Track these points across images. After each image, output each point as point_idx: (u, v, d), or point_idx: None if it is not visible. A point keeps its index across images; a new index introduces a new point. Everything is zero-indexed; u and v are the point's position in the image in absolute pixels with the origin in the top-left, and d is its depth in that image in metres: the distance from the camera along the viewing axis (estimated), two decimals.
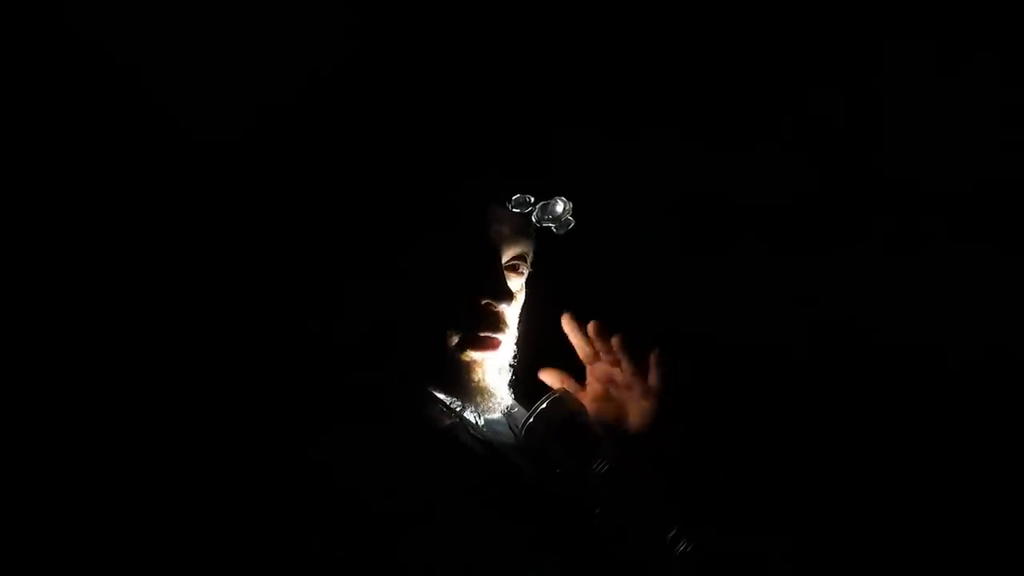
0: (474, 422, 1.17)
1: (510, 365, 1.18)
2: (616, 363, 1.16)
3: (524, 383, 1.19)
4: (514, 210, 1.14)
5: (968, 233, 1.45)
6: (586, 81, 1.38)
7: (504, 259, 1.14)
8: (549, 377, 1.22)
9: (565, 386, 1.19)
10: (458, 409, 1.14)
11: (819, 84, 1.46)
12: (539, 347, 1.21)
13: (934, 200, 1.45)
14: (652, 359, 1.13)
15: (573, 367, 1.22)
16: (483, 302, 1.11)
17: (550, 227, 1.16)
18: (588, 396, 1.20)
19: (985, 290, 1.44)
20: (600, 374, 1.20)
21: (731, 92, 1.45)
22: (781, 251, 1.46)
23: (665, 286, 1.42)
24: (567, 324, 1.22)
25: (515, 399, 1.19)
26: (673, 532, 0.99)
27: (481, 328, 1.11)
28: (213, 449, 1.07)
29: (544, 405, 1.12)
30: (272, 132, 1.27)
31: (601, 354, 1.19)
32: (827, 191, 1.46)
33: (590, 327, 1.17)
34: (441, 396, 1.14)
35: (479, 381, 1.13)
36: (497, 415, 1.19)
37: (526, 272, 1.19)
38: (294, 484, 0.98)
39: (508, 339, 1.16)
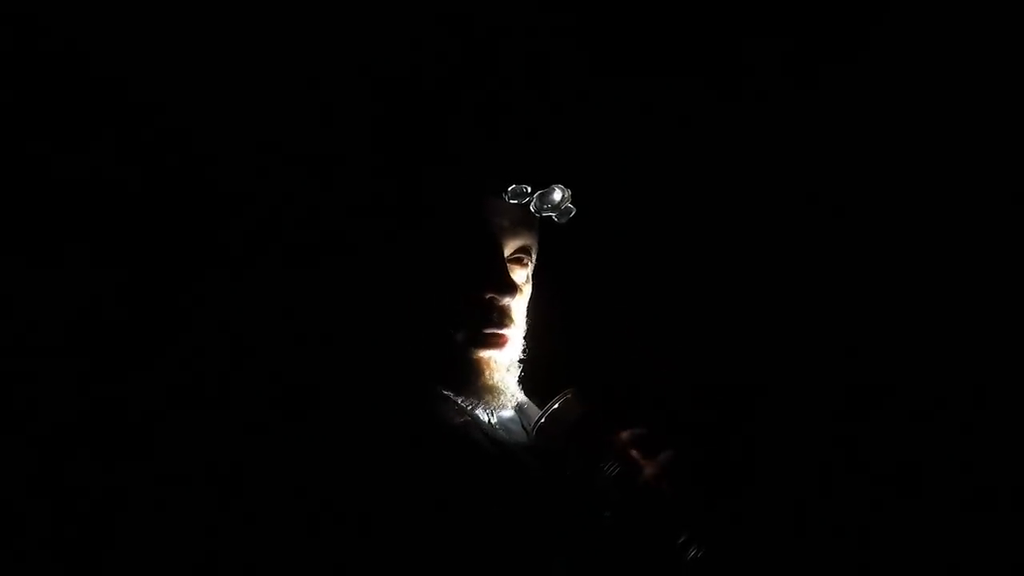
0: (486, 420, 1.14)
1: (519, 360, 1.15)
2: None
3: (534, 378, 1.16)
4: (511, 201, 1.10)
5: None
6: (583, 65, 1.32)
7: (507, 252, 1.11)
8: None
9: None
10: (469, 408, 1.12)
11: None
12: (549, 340, 1.16)
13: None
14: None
15: (582, 361, 1.17)
16: (487, 296, 1.09)
17: (551, 216, 1.12)
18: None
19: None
20: None
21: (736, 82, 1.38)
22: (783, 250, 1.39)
23: (669, 279, 1.36)
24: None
25: (527, 395, 1.16)
26: (683, 538, 0.95)
27: (487, 324, 1.09)
28: (220, 449, 1.07)
29: (556, 405, 1.10)
30: (272, 134, 1.26)
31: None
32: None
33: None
34: (452, 395, 1.12)
35: (488, 379, 1.11)
36: (509, 412, 1.17)
37: (531, 265, 1.16)
38: (303, 484, 0.98)
39: (515, 333, 1.13)
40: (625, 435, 1.06)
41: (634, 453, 1.04)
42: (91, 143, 1.24)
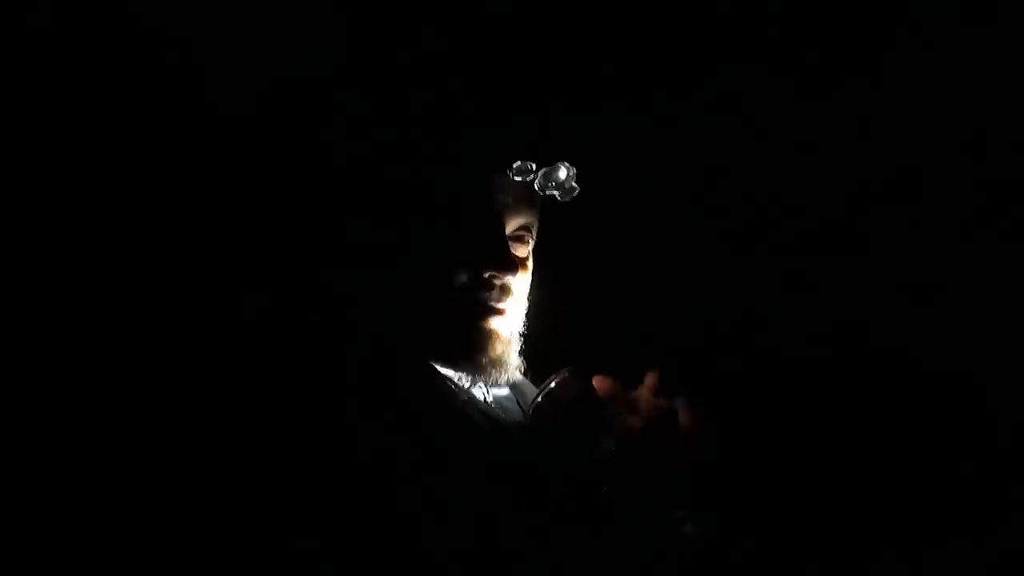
0: (482, 398, 1.14)
1: (520, 334, 1.15)
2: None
3: (531, 357, 1.16)
4: (515, 178, 1.10)
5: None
6: (591, 44, 1.32)
7: (508, 229, 1.11)
8: (600, 384, 1.14)
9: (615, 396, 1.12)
10: (466, 386, 1.12)
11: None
12: (547, 319, 1.17)
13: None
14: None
15: (581, 340, 1.18)
16: (487, 274, 1.08)
17: (554, 195, 1.12)
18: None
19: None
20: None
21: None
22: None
23: (670, 259, 1.37)
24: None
25: (523, 373, 1.17)
26: (679, 515, 0.95)
27: (487, 300, 1.09)
28: (217, 440, 1.06)
29: (553, 384, 1.10)
30: (270, 116, 1.25)
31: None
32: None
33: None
34: (449, 373, 1.11)
35: (486, 353, 1.10)
36: (504, 391, 1.18)
37: (532, 242, 1.16)
38: (299, 469, 0.97)
39: (515, 309, 1.13)
40: (623, 413, 1.07)
41: (632, 431, 1.04)
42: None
